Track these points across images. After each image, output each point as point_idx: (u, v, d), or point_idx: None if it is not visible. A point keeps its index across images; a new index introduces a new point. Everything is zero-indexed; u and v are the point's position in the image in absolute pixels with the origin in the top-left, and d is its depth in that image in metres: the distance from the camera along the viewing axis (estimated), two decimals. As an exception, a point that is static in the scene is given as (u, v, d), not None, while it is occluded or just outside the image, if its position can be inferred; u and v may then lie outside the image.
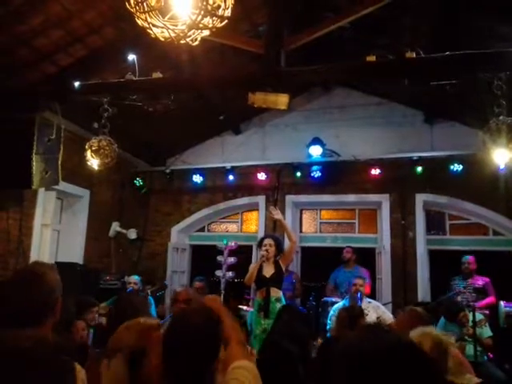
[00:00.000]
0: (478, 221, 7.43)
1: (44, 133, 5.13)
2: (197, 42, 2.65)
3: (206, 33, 2.58)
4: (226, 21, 2.42)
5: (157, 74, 4.86)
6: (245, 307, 6.50)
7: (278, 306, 4.98)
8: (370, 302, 4.92)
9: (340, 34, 4.97)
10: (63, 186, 6.07)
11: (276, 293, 5.04)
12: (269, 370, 1.44)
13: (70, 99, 5.34)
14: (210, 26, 2.52)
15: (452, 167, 6.83)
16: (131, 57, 5.03)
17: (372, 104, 7.80)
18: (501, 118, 3.94)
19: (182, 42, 2.54)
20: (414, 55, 4.12)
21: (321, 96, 8.11)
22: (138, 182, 7.94)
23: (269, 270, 5.14)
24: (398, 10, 4.90)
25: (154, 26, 2.43)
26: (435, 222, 7.71)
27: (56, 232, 6.73)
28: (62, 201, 6.88)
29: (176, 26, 2.47)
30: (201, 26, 2.47)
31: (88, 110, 6.08)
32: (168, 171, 7.98)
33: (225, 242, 7.15)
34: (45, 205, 6.14)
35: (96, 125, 6.41)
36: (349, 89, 7.95)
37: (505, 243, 7.24)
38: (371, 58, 4.25)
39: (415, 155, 7.02)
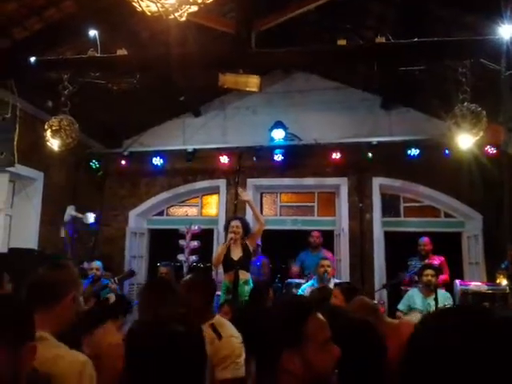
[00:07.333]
0: (430, 203, 7.76)
1: (-3, 111, 4.82)
2: (183, 18, 2.56)
3: (194, 8, 2.50)
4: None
5: (122, 51, 4.66)
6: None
7: (247, 288, 5.00)
8: (336, 283, 5.04)
9: (309, 19, 4.95)
10: (16, 167, 5.72)
11: (244, 275, 5.06)
12: None
13: (26, 76, 5.03)
14: (200, 1, 2.45)
15: (408, 152, 7.05)
16: (92, 32, 4.79)
17: (331, 88, 7.87)
18: (465, 104, 4.10)
19: (171, 17, 2.45)
20: (384, 40, 4.20)
21: (281, 79, 8.09)
22: (94, 164, 7.63)
23: (237, 253, 5.14)
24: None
25: (142, -1, 2.33)
26: (390, 205, 7.98)
27: (8, 217, 6.37)
28: (13, 184, 6.49)
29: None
30: (191, 0, 2.40)
31: (41, 88, 5.74)
32: (126, 153, 7.73)
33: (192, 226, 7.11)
34: (-4, 188, 5.80)
35: (50, 103, 6.09)
36: (308, 73, 7.99)
37: (455, 225, 7.63)
38: (342, 42, 4.27)
39: (373, 140, 7.20)
